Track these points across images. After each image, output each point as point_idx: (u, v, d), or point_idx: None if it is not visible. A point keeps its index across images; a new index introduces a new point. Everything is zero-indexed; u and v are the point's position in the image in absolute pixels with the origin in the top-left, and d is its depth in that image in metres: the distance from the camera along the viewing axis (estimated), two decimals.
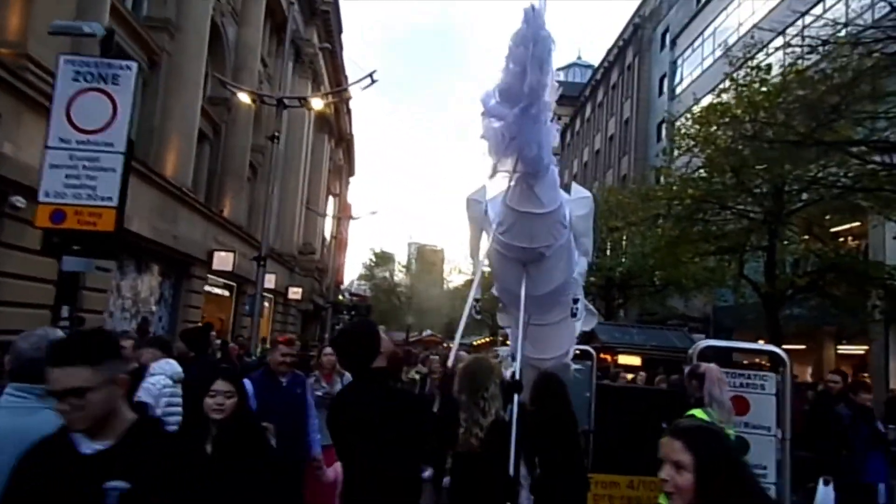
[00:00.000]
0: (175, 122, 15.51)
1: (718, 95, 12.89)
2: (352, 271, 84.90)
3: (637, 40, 37.10)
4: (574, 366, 6.25)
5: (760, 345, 4.72)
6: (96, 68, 5.37)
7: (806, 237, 13.27)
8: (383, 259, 67.71)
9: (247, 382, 4.00)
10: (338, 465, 4.12)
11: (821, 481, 4.92)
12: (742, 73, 12.19)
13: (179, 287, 15.57)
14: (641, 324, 20.98)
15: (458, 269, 55.43)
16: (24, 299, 8.60)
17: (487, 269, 4.65)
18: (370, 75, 12.21)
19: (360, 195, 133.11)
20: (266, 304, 25.56)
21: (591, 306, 5.66)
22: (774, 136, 9.75)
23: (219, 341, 11.69)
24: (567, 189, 4.87)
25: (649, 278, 19.87)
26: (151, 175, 12.96)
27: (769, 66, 11.83)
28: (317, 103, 13.04)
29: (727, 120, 11.50)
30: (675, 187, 12.48)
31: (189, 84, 15.49)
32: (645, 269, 17.98)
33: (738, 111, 11.09)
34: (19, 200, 8.21)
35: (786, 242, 13.11)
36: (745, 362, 8.89)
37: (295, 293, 26.62)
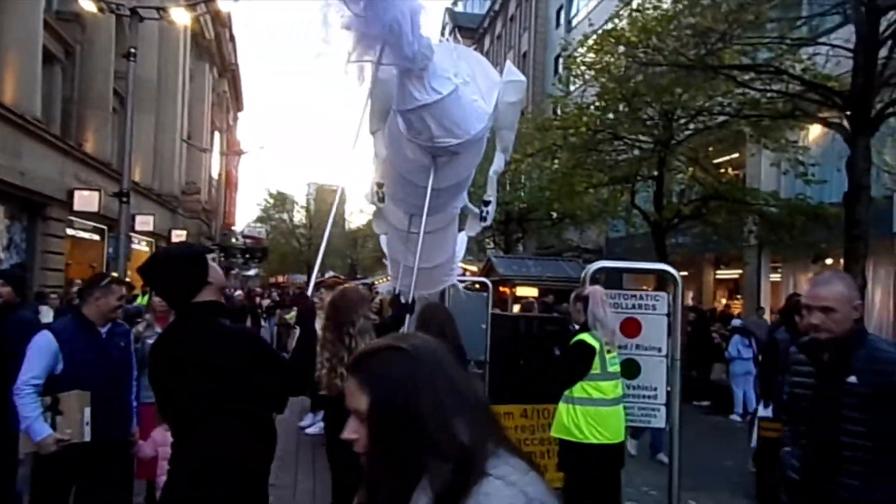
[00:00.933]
0: (11, 40, 13.27)
1: (612, 21, 12.69)
2: (248, 214, 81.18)
3: None
4: (459, 284, 5.98)
5: (650, 264, 4.57)
6: None
7: (692, 168, 13.68)
8: (281, 200, 64.95)
9: (45, 334, 3.28)
10: (157, 434, 3.52)
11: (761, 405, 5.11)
12: None
13: (34, 231, 13.75)
14: (539, 256, 21.36)
15: (361, 209, 54.33)
16: None
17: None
18: None
19: (253, 132, 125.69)
20: (145, 247, 23.61)
21: (474, 208, 5.28)
22: (665, 62, 9.68)
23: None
24: (492, 47, 4.39)
25: (546, 211, 20.09)
26: None
27: None
28: (180, 15, 11.40)
29: (621, 48, 11.34)
30: (570, 117, 12.32)
31: None
32: (542, 202, 18.06)
33: (632, 38, 10.91)
34: None
35: (673, 172, 13.48)
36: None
37: (179, 236, 24.73)
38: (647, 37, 10.69)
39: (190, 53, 30.35)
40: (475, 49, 47.24)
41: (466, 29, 50.00)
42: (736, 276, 17.62)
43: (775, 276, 16.00)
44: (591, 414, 3.63)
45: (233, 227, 45.34)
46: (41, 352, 3.18)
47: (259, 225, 67.97)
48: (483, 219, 4.11)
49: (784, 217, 11.90)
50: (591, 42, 12.53)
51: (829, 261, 14.09)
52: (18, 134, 12.51)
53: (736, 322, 10.95)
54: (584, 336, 3.76)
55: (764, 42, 9.43)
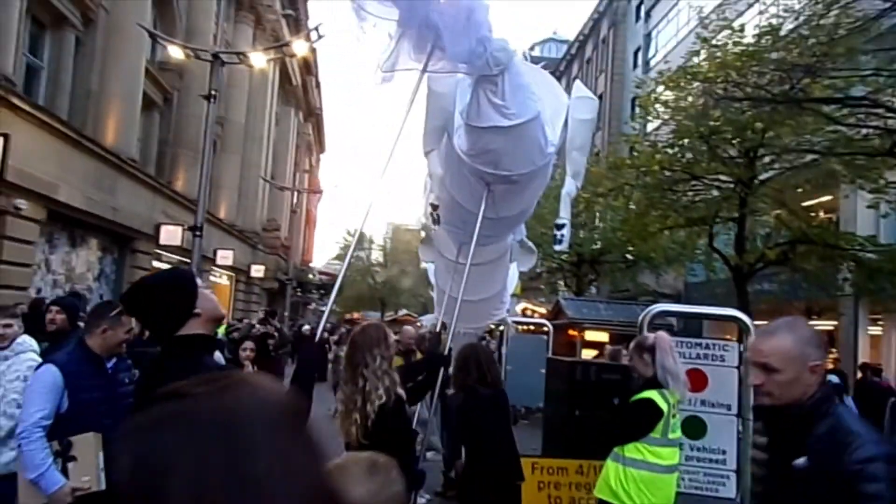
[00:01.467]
0: (115, 86, 14.44)
1: (690, 60, 12.27)
2: (327, 252, 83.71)
3: (612, 12, 36.31)
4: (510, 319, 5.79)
5: (717, 309, 4.12)
6: None
7: (777, 210, 12.81)
8: (358, 238, 66.41)
9: (50, 368, 2.97)
10: None
11: None
12: (714, 34, 11.59)
13: (122, 262, 14.63)
14: (611, 300, 20.58)
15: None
16: None
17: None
18: (315, 29, 11.26)
19: (334, 173, 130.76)
20: (226, 280, 24.65)
21: (529, 243, 4.99)
22: (746, 96, 9.17)
23: None
24: (568, 90, 4.23)
25: (620, 254, 19.40)
26: (83, 141, 11.96)
27: (742, 27, 11.23)
28: (258, 59, 12.03)
29: (698, 84, 10.91)
30: (644, 156, 11.88)
31: (130, 44, 14.37)
32: (615, 244, 17.46)
33: (710, 73, 10.48)
34: None
35: (757, 214, 12.66)
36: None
37: (258, 271, 25.71)
38: (727, 73, 10.23)
39: (277, 98, 32.11)
40: None
41: None
42: (830, 328, 16.21)
43: (875, 329, 14.56)
44: (643, 479, 3.23)
45: (310, 264, 46.74)
46: (47, 388, 2.83)
47: (337, 262, 70.06)
48: (558, 241, 3.88)
49: (884, 263, 10.82)
50: (666, 79, 12.13)
51: None
52: (114, 173, 13.46)
53: (833, 378, 9.76)
54: (652, 394, 3.32)
55: (858, 76, 8.78)
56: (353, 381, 2.87)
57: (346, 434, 2.82)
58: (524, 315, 18.26)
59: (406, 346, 6.69)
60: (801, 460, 1.68)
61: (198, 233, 9.83)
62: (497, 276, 4.74)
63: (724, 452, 3.49)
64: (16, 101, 9.51)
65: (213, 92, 10.19)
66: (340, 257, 69.37)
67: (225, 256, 20.75)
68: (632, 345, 3.47)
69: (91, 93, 14.19)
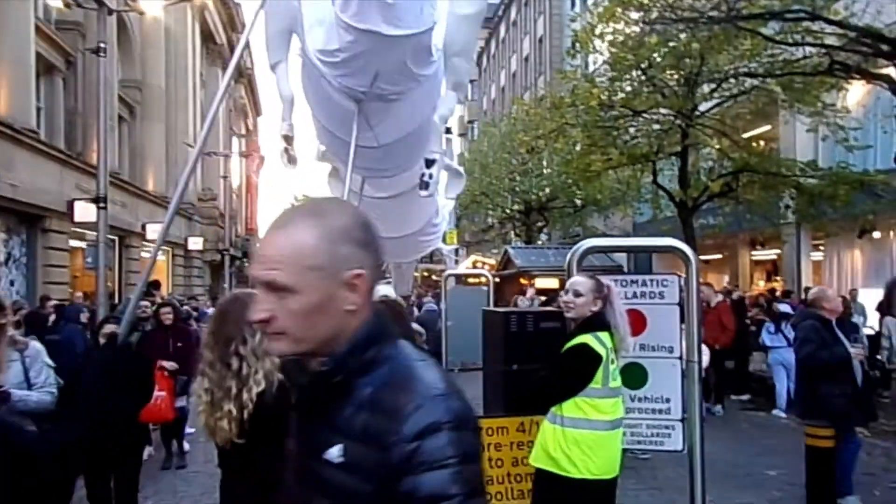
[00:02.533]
0: (1, 51, 12.95)
1: None
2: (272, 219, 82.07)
3: None
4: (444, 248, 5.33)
5: (653, 240, 3.66)
6: None
7: (718, 140, 12.59)
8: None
9: None
10: None
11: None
12: None
13: (34, 244, 13.42)
14: (561, 245, 20.43)
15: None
16: None
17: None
18: None
19: (274, 137, 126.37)
20: (161, 256, 23.41)
21: (455, 165, 4.43)
22: (680, 18, 8.68)
23: None
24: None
25: (568, 198, 19.13)
26: None
27: None
28: (152, 6, 10.77)
29: (634, 14, 10.37)
30: (580, 92, 11.36)
31: (13, 3, 12.84)
32: (562, 189, 17.12)
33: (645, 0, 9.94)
34: None
35: (699, 147, 12.41)
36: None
37: (195, 243, 24.51)
38: None
39: (201, 59, 30.17)
40: (491, 37, 46.36)
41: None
42: (774, 257, 16.38)
43: (817, 255, 14.75)
44: (586, 441, 2.79)
45: (255, 232, 45.28)
46: None
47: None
48: (424, 185, 3.17)
49: (825, 188, 10.74)
50: (601, 10, 11.54)
51: (876, 234, 12.86)
52: (10, 146, 12.15)
53: (783, 307, 9.61)
54: (586, 338, 2.87)
55: None
56: (223, 361, 2.25)
57: (215, 432, 2.22)
58: (475, 268, 17.92)
59: None
60: (333, 450, 1.02)
61: (101, 205, 8.86)
62: (417, 207, 4.15)
63: (667, 401, 3.07)
64: None
65: (101, 44, 9.04)
66: None
67: (155, 230, 19.53)
68: (586, 285, 2.91)
69: None
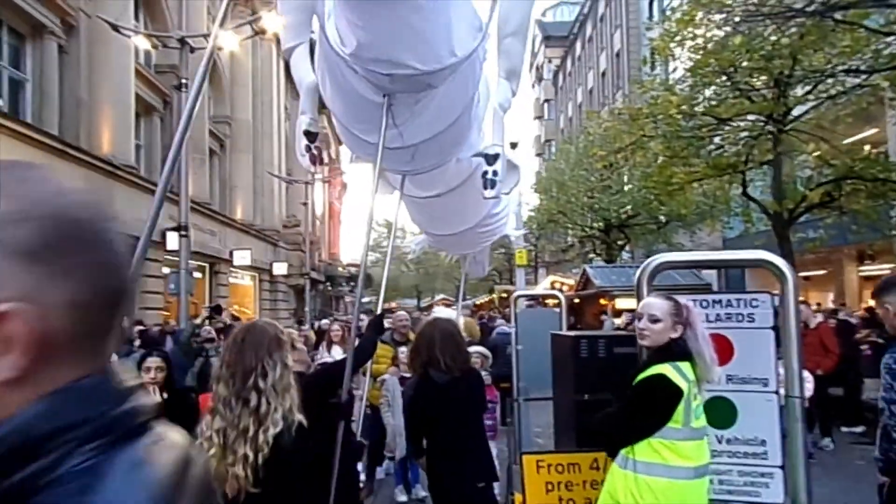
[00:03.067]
0: (105, 93, 14.05)
1: None
2: (357, 243, 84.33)
3: None
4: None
5: (740, 253, 3.18)
6: None
7: (816, 146, 11.56)
8: (389, 228, 66.48)
9: None
10: None
11: None
12: None
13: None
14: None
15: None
16: None
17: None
18: None
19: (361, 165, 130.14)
20: (248, 281, 24.42)
21: (512, 157, 4.09)
22: (768, 14, 8.02)
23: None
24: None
25: (650, 214, 18.27)
26: (68, 150, 11.53)
27: None
28: (229, 40, 11.27)
29: (715, 16, 9.75)
30: (659, 102, 10.78)
31: (116, 48, 13.85)
32: (643, 204, 16.36)
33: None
34: None
35: (794, 154, 11.45)
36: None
37: (280, 268, 25.38)
38: None
39: (286, 93, 31.60)
40: (566, 55, 45.82)
41: (557, 38, 48.75)
42: (887, 272, 14.85)
43: None
44: (662, 490, 2.36)
45: (338, 257, 46.57)
46: None
47: (371, 254, 70.19)
48: (490, 183, 2.80)
49: None
50: (679, 16, 10.98)
51: None
52: (108, 181, 13.04)
53: None
54: (664, 369, 2.44)
55: None
56: (239, 397, 2.02)
57: (226, 480, 1.94)
58: (553, 288, 17.38)
59: (401, 334, 5.91)
60: None
61: (183, 233, 9.24)
62: (473, 202, 3.84)
63: (763, 443, 2.59)
64: None
65: (183, 80, 9.53)
66: (374, 248, 69.51)
67: (242, 257, 20.43)
68: (664, 308, 2.53)
69: (81, 102, 13.81)
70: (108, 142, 13.91)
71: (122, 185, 13.55)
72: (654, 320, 2.53)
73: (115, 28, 9.49)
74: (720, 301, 2.69)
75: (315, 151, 2.82)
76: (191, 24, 19.37)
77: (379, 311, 3.85)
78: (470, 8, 2.36)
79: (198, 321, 6.42)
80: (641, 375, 2.54)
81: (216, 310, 9.16)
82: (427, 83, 2.36)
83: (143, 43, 11.20)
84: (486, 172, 2.74)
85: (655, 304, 2.58)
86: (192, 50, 9.86)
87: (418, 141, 2.79)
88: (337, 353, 5.64)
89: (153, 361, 3.54)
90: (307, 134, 2.84)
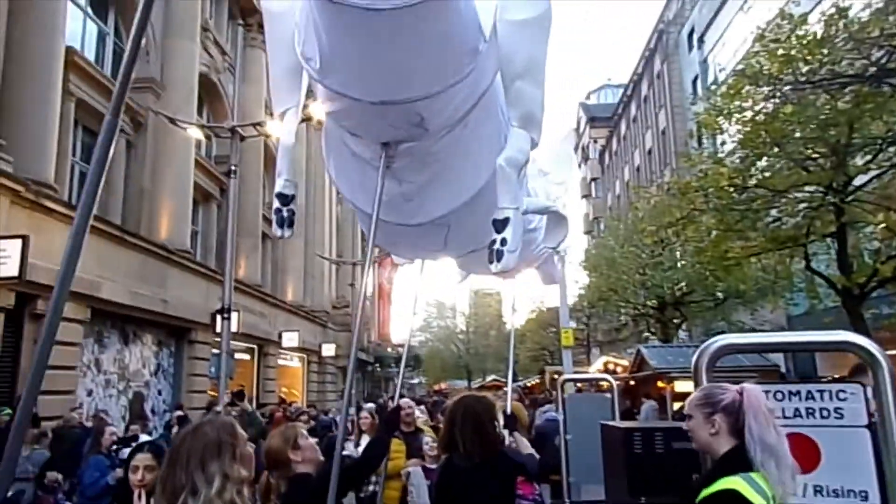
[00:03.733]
0: (166, 183, 14.80)
1: (750, 65, 10.94)
2: (408, 323, 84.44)
3: (663, 47, 35.28)
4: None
5: (821, 334, 2.77)
6: None
7: (883, 221, 10.90)
8: (440, 308, 66.63)
9: None
10: None
11: None
12: (774, 31, 10.30)
13: (180, 355, 14.42)
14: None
15: (514, 308, 53.63)
16: None
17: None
18: None
19: None
20: (297, 363, 24.40)
21: (556, 207, 3.79)
22: (824, 78, 7.77)
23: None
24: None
25: (707, 291, 17.48)
26: (126, 237, 11.99)
27: (805, 17, 9.91)
28: (278, 129, 11.73)
29: (763, 88, 9.57)
30: (709, 175, 10.46)
31: (179, 142, 14.69)
32: (698, 281, 15.68)
33: (774, 70, 9.16)
34: None
35: (858, 225, 10.79)
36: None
37: (329, 349, 25.34)
38: (794, 66, 8.89)
39: None
40: (611, 135, 46.35)
41: (601, 119, 49.55)
42: None
43: None
44: None
45: (388, 338, 46.40)
46: None
47: (420, 333, 69.69)
48: (497, 256, 2.33)
49: None
50: (725, 88, 10.85)
51: None
52: (163, 265, 13.45)
53: None
54: (736, 483, 1.95)
55: None
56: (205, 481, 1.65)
57: None
58: (606, 370, 16.57)
59: (406, 424, 5.05)
60: None
61: (225, 315, 9.27)
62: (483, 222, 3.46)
63: None
64: (50, 204, 9.55)
65: (233, 167, 9.88)
66: (423, 328, 69.08)
67: (290, 338, 20.51)
68: (692, 401, 2.20)
69: (144, 191, 14.55)
70: (167, 228, 14.48)
71: (175, 269, 13.93)
72: (688, 416, 2.15)
73: (172, 121, 10.03)
74: (798, 393, 2.29)
75: (286, 214, 2.64)
76: (249, 114, 20.57)
77: (394, 404, 3.60)
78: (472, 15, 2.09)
79: (218, 407, 6.23)
80: (707, 491, 2.08)
81: (238, 395, 8.99)
82: (420, 116, 2.16)
83: (196, 134, 11.77)
84: (493, 241, 2.34)
85: (690, 397, 2.21)
86: (243, 139, 10.28)
87: (440, 214, 2.58)
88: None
89: (142, 459, 2.88)
90: (280, 196, 2.68)
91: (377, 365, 38.44)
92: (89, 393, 11.04)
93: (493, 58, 2.22)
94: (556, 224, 4.07)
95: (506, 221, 2.34)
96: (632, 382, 15.45)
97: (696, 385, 2.40)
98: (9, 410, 7.90)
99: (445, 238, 2.95)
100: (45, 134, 10.11)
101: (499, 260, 2.35)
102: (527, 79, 2.36)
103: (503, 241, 2.33)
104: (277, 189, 2.65)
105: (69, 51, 11.44)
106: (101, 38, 14.51)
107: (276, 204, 2.64)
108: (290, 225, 2.64)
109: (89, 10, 13.80)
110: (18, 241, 7.62)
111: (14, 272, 7.51)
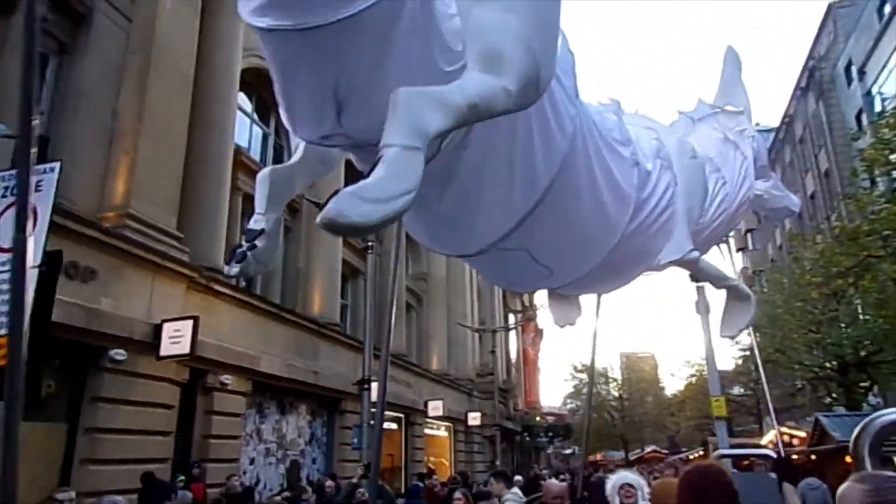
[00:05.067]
0: (318, 262, 16.05)
1: None
2: (561, 390, 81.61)
3: (816, 84, 32.59)
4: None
5: None
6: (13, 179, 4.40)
7: None
8: (590, 373, 63.46)
9: None
10: None
11: None
12: None
13: (332, 424, 15.10)
14: None
15: (672, 373, 50.11)
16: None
17: None
18: None
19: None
20: (444, 432, 24.43)
21: (743, 287, 3.36)
22: None
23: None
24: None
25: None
26: (282, 313, 13.05)
27: None
28: None
29: None
30: (885, 216, 9.18)
31: None
32: (885, 337, 13.57)
33: None
34: (119, 353, 8.28)
35: None
36: None
37: (474, 418, 25.13)
38: None
39: None
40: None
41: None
42: None
43: None
44: None
45: (536, 406, 45.13)
46: None
47: (571, 401, 66.91)
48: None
49: None
50: (891, 120, 9.68)
51: None
52: (314, 338, 14.37)
53: None
54: None
55: None
56: None
57: None
58: (780, 441, 14.57)
59: None
60: None
61: (365, 386, 9.60)
62: (595, 224, 2.85)
63: None
64: (218, 287, 10.73)
65: (370, 244, 10.49)
66: (574, 395, 66.17)
67: (435, 407, 20.68)
68: (848, 498, 1.77)
69: (299, 271, 15.89)
70: (318, 304, 15.58)
71: (325, 342, 14.82)
72: None
73: (318, 205, 10.94)
74: None
75: (245, 248, 2.42)
76: None
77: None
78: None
79: (354, 480, 6.34)
80: None
81: (428, 475, 9.06)
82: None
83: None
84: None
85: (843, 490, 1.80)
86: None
87: (497, 238, 2.38)
88: None
89: None
90: (247, 232, 2.49)
91: (525, 434, 37.34)
92: (251, 461, 11.85)
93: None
94: (737, 302, 3.64)
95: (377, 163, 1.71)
96: (812, 457, 13.45)
97: (857, 467, 2.02)
98: (182, 477, 8.71)
99: (537, 264, 2.75)
100: (216, 224, 11.50)
101: (326, 205, 1.62)
102: (488, 2, 1.81)
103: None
104: (250, 225, 2.52)
105: (237, 151, 13.09)
106: (265, 138, 16.48)
107: (242, 241, 2.49)
108: (240, 261, 2.41)
109: (255, 116, 15.81)
110: (190, 322, 8.59)
111: (186, 350, 8.45)
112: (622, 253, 3.08)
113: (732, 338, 3.93)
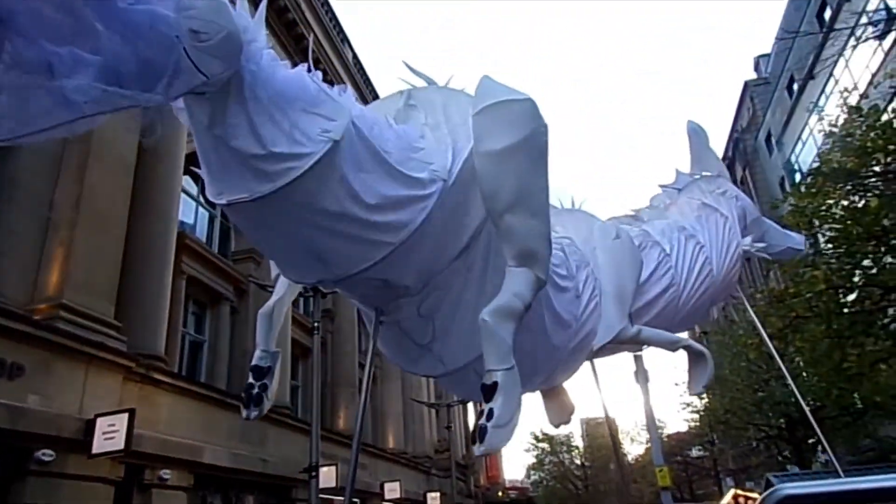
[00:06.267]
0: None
1: (823, 164, 10.58)
2: (521, 460, 79.76)
3: (741, 154, 34.94)
4: None
5: None
6: None
7: None
8: (549, 441, 62.84)
9: None
10: None
11: None
12: (846, 126, 10.06)
13: None
14: (854, 467, 16.07)
15: (632, 438, 49.86)
16: None
17: None
18: None
19: None
20: None
21: (699, 346, 3.52)
22: None
23: None
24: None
25: (839, 405, 15.56)
26: (227, 399, 12.58)
27: (876, 108, 9.64)
28: None
29: (839, 181, 9.14)
30: (804, 280, 9.76)
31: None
32: (823, 395, 14.05)
33: (851, 165, 8.79)
34: (47, 454, 7.79)
35: None
36: None
37: (434, 499, 24.24)
38: (873, 157, 8.52)
39: None
40: None
41: None
42: None
43: None
44: None
45: (498, 481, 43.99)
46: None
47: (534, 473, 65.30)
48: (480, 435, 2.13)
49: None
50: (804, 187, 10.46)
51: None
52: (262, 424, 13.82)
53: None
54: None
55: None
56: None
57: None
58: None
59: None
60: None
61: (313, 473, 9.27)
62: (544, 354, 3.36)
63: None
64: (157, 375, 10.33)
65: (315, 324, 10.41)
66: (537, 466, 64.59)
67: (392, 489, 19.90)
68: None
69: (247, 353, 15.45)
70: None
71: (274, 427, 14.28)
72: None
73: (263, 287, 10.87)
74: None
75: (256, 391, 2.56)
76: None
77: None
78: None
79: None
80: None
81: None
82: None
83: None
84: (480, 413, 2.11)
85: None
86: (324, 295, 10.92)
87: (459, 365, 2.56)
88: None
89: None
90: (253, 370, 2.63)
91: None
92: None
93: (447, 208, 2.26)
94: (697, 364, 3.85)
95: (494, 388, 2.05)
96: None
97: None
98: None
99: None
100: (157, 311, 11.17)
101: (482, 440, 2.04)
102: (518, 211, 2.19)
103: (489, 414, 2.03)
104: (254, 362, 2.67)
105: (182, 234, 12.93)
106: (211, 219, 16.36)
107: (249, 378, 2.62)
108: (258, 404, 2.56)
109: (201, 199, 15.75)
110: (125, 415, 8.20)
111: (121, 445, 8.01)
112: (566, 359, 3.39)
113: (697, 395, 4.11)
